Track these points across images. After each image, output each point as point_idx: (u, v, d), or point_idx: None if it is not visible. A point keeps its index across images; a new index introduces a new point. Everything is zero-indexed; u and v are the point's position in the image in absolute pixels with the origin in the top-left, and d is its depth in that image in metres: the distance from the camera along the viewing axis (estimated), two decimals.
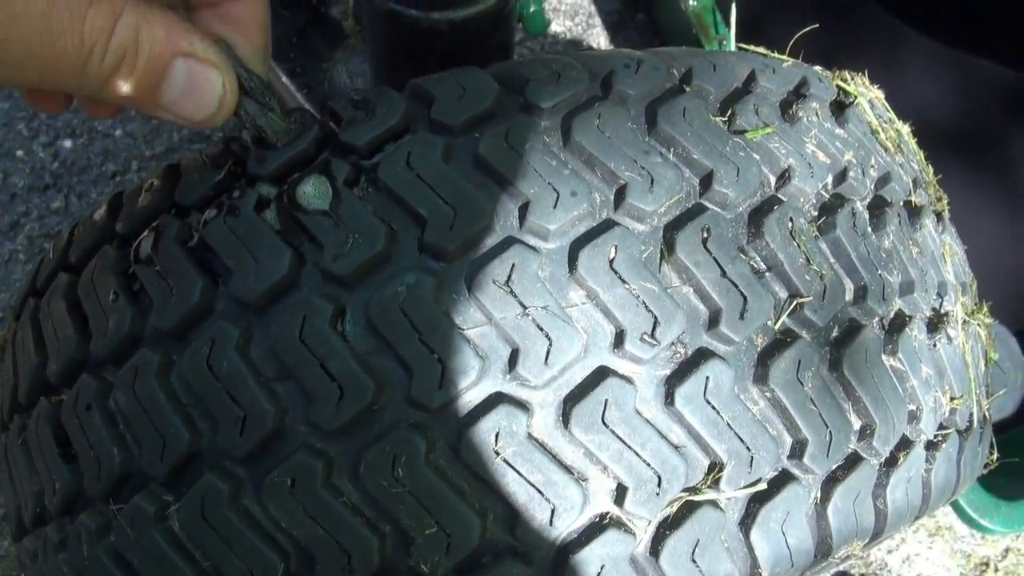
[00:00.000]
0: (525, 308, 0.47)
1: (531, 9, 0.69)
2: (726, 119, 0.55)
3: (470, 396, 0.47)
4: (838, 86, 0.65)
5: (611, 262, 0.49)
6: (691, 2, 1.09)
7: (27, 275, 0.67)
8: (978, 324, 0.69)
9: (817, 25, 0.74)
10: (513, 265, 0.48)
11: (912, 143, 0.73)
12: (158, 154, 1.29)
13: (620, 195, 0.50)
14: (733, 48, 1.10)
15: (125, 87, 0.45)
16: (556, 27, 1.31)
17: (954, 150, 1.24)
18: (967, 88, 1.25)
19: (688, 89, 0.55)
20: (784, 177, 0.55)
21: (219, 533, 0.47)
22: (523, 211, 0.49)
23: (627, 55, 0.56)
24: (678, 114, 0.53)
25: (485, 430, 0.46)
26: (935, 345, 0.63)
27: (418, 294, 0.47)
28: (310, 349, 0.47)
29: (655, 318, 0.49)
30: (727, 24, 1.08)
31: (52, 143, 1.34)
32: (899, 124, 0.72)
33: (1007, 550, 1.30)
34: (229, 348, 0.48)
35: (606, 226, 0.49)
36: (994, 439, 0.75)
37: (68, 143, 1.34)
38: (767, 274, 0.52)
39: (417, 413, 0.47)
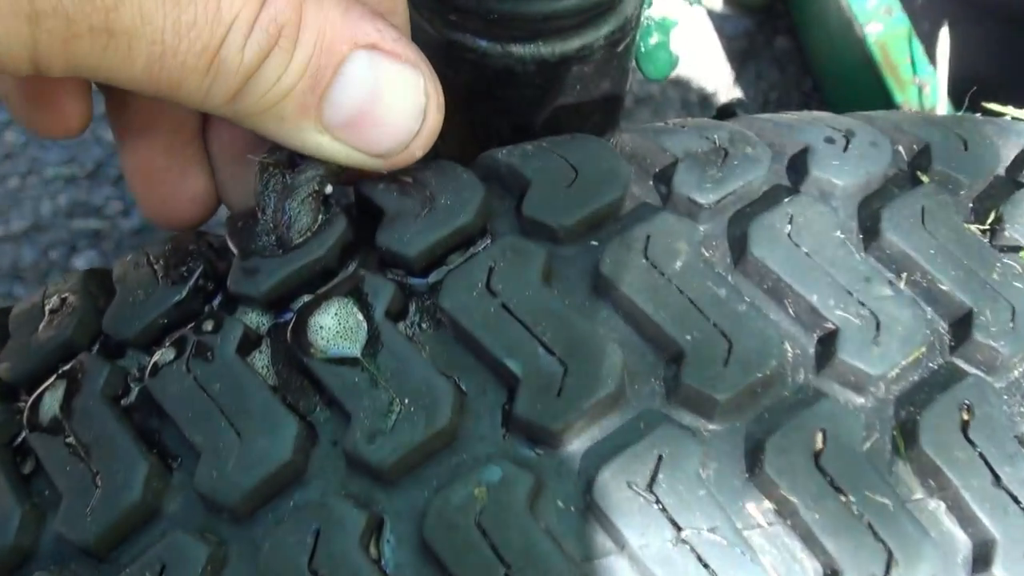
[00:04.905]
0: (680, 530, 0.32)
1: (652, 41, 0.51)
2: (986, 227, 0.39)
3: None
4: None
5: (816, 457, 0.33)
6: (871, 29, 0.87)
7: None
8: None
9: None
10: (660, 458, 0.33)
11: None
12: None
13: (826, 346, 0.35)
14: (942, 101, 0.86)
15: (274, 91, 0.33)
16: None
17: None
18: None
19: (925, 179, 0.41)
20: None
21: None
22: (673, 370, 0.35)
23: (827, 122, 0.42)
24: (913, 218, 0.38)
25: None
26: None
27: (504, 500, 0.32)
28: None
29: (889, 553, 0.32)
30: (932, 62, 0.84)
31: None
32: None
33: None
34: None
35: (807, 399, 0.34)
36: None
37: None
38: None
39: None
